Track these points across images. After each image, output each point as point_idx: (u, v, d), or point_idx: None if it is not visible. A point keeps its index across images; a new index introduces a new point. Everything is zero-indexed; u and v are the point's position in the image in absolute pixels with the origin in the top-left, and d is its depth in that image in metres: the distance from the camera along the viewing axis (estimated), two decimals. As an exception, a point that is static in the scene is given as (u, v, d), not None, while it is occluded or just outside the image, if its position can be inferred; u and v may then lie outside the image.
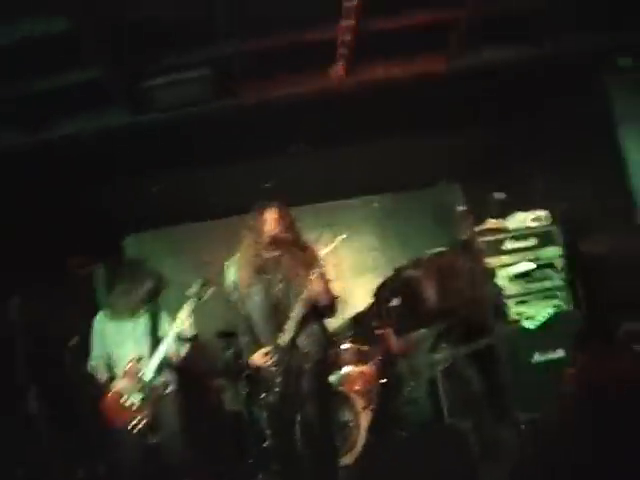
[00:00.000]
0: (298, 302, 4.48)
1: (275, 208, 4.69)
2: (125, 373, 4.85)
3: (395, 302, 5.53)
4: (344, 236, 4.65)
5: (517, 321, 5.94)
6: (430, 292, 5.34)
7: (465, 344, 5.24)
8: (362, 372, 6.36)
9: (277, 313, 4.54)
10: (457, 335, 5.41)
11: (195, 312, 4.90)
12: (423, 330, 5.23)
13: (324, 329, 4.78)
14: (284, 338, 4.49)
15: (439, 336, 5.26)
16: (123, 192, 7.09)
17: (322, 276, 4.51)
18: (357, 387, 6.29)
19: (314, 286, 4.44)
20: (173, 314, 5.03)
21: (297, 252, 4.63)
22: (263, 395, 5.51)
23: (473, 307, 5.28)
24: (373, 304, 5.52)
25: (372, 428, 5.68)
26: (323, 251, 4.59)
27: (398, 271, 5.45)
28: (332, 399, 5.14)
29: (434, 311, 5.34)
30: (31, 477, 5.34)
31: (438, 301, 5.36)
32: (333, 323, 5.45)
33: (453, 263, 5.27)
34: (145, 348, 4.91)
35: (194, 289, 4.86)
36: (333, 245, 4.61)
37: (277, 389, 4.50)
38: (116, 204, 7.27)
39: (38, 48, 4.34)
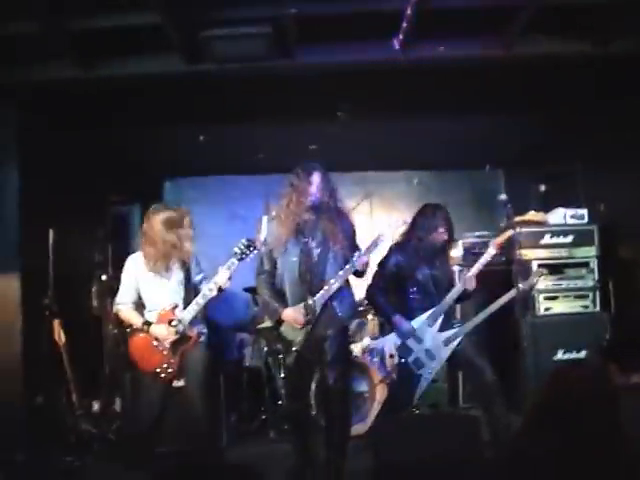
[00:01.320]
0: (346, 268, 4.49)
1: (320, 172, 4.64)
2: (159, 319, 4.85)
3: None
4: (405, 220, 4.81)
5: (545, 316, 5.94)
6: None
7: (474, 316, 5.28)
8: (383, 345, 6.40)
9: (311, 276, 4.52)
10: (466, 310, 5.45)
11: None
12: (431, 310, 5.22)
13: (353, 296, 4.81)
14: (321, 298, 4.48)
15: (447, 314, 5.26)
16: (169, 137, 7.14)
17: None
18: (376, 359, 6.33)
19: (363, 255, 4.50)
20: (206, 264, 5.05)
21: (335, 219, 4.61)
22: (281, 355, 5.60)
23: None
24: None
25: (386, 402, 5.73)
26: (386, 230, 4.65)
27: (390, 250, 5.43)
28: (351, 367, 5.16)
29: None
30: (48, 405, 5.46)
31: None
32: (360, 294, 5.44)
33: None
34: (178, 297, 4.92)
35: (239, 248, 4.70)
36: (397, 227, 4.78)
37: (296, 348, 4.52)
38: (161, 148, 7.31)
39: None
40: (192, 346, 4.83)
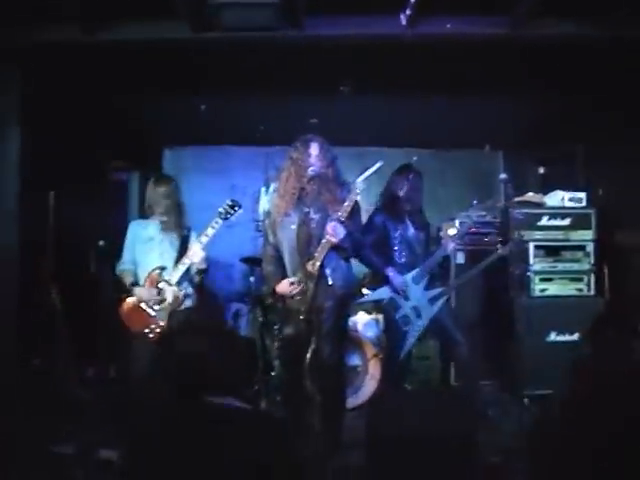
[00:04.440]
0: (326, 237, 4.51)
1: (319, 143, 4.69)
2: (147, 281, 4.95)
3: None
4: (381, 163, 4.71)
5: (539, 297, 5.98)
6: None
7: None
8: (376, 320, 6.45)
9: (309, 245, 4.56)
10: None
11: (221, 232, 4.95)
12: (417, 269, 5.29)
13: (350, 267, 4.84)
14: (314, 265, 4.51)
15: (432, 275, 5.33)
16: (171, 105, 7.10)
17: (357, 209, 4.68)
18: (370, 334, 6.38)
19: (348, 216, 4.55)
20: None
21: (335, 188, 4.65)
22: (279, 325, 5.62)
23: None
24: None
25: (379, 377, 5.78)
26: (361, 177, 4.62)
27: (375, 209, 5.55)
28: (346, 340, 5.19)
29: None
30: (45, 368, 5.49)
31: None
32: (356, 269, 5.46)
33: None
34: (169, 262, 4.99)
35: (223, 208, 4.89)
36: (371, 171, 4.67)
37: (300, 317, 4.56)
38: (162, 116, 7.28)
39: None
40: (178, 307, 4.92)
